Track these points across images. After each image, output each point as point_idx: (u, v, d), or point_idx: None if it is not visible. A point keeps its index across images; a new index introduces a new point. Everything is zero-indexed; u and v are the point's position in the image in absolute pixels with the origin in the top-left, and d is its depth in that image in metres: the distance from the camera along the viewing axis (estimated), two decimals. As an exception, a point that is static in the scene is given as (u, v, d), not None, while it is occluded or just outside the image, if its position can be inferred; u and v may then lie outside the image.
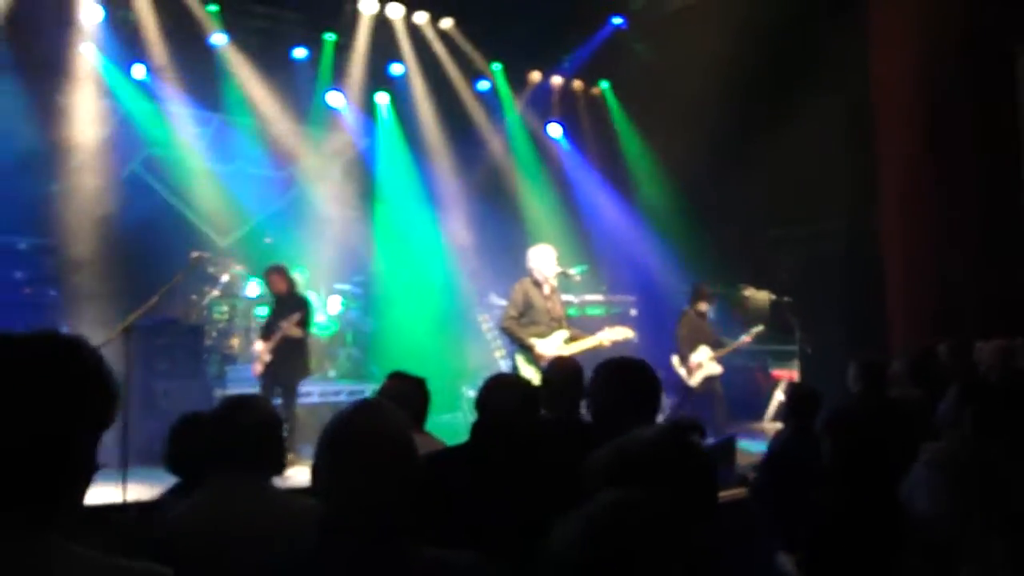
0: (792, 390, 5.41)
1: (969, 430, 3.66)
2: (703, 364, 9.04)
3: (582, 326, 8.28)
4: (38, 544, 1.47)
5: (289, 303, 8.70)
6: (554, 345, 7.53)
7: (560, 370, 4.09)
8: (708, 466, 2.22)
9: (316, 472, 2.03)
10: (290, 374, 8.60)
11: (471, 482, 3.31)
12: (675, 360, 9.04)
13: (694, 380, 9.02)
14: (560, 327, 7.71)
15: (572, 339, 7.71)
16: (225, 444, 2.82)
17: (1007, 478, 3.54)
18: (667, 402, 8.89)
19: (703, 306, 9.25)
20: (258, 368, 8.60)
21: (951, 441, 3.70)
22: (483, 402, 3.63)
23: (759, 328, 9.14)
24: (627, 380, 3.54)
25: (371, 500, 1.96)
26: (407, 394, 4.16)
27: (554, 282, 7.85)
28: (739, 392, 9.08)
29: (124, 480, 5.90)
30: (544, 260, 7.78)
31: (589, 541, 1.53)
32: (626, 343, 8.11)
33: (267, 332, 8.73)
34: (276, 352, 8.52)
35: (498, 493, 3.23)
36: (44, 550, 1.47)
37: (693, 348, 9.07)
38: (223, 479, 2.81)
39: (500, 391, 3.62)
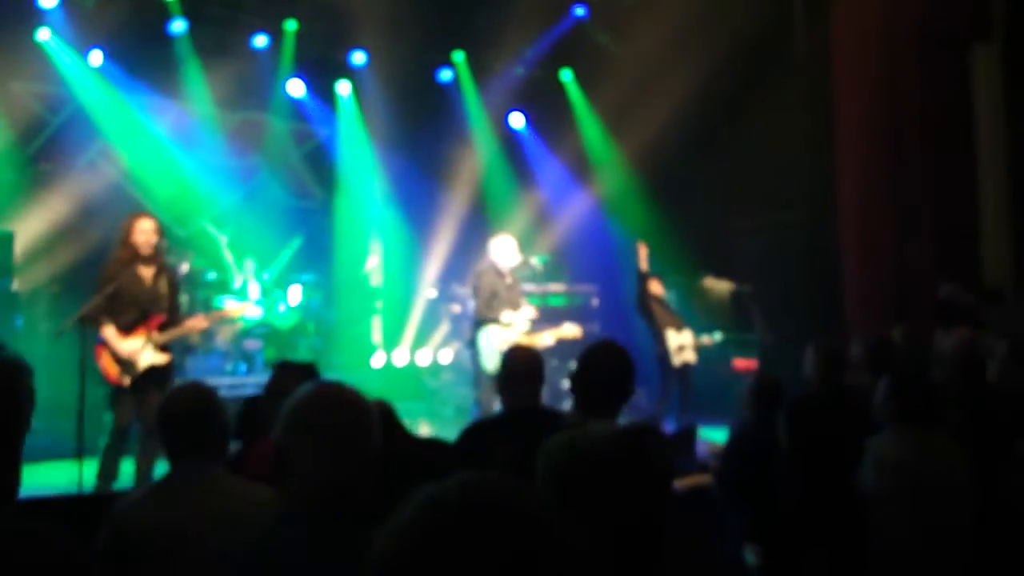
0: (756, 379, 5.41)
1: (903, 423, 3.70)
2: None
3: (544, 316, 8.35)
4: None
5: (164, 272, 6.48)
6: (515, 336, 7.62)
7: (519, 359, 4.07)
8: (660, 473, 2.21)
9: (281, 454, 2.01)
10: (168, 381, 6.26)
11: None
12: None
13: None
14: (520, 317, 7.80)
15: (530, 332, 7.85)
16: (182, 432, 2.82)
17: (935, 471, 3.58)
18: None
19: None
20: (128, 378, 6.17)
21: (886, 436, 3.73)
22: None
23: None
24: (618, 365, 3.60)
25: (339, 477, 1.96)
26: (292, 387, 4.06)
27: (515, 272, 7.94)
28: (699, 380, 9.11)
29: (80, 470, 5.85)
30: (505, 250, 7.86)
31: (397, 544, 1.08)
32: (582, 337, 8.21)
33: (134, 320, 6.25)
34: (167, 351, 6.38)
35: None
36: None
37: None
38: (183, 466, 2.80)
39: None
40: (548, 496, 1.77)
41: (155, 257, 6.40)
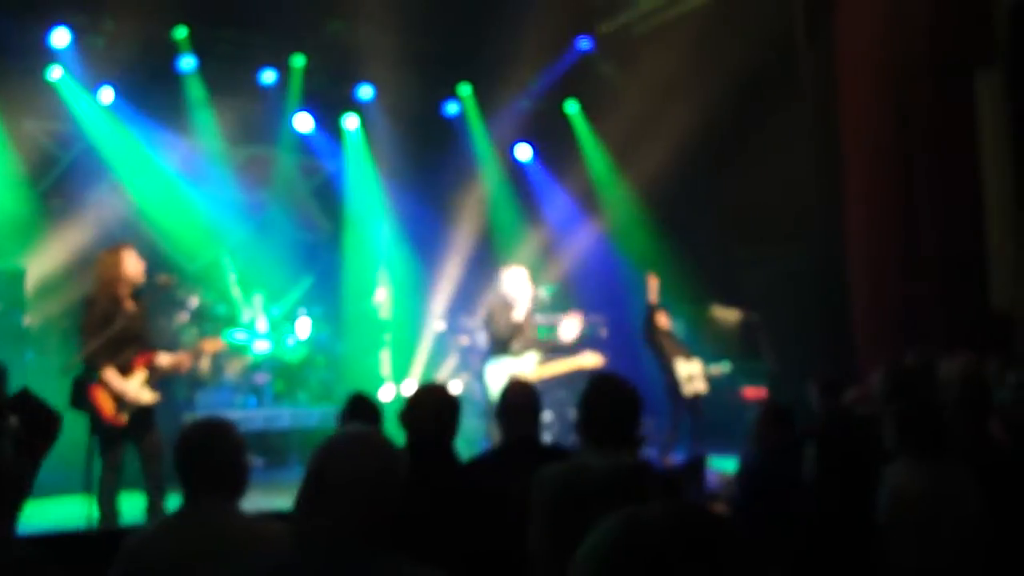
0: (766, 407, 5.38)
1: (913, 454, 3.68)
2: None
3: (554, 347, 8.32)
4: None
5: (139, 299, 6.25)
6: (527, 367, 7.59)
7: (517, 393, 4.07)
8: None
9: (309, 494, 2.02)
10: (156, 416, 6.20)
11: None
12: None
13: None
14: (532, 348, 7.78)
15: (544, 362, 7.81)
16: (198, 468, 2.81)
17: (948, 502, 3.57)
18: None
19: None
20: (125, 417, 5.97)
21: (897, 466, 3.72)
22: (406, 419, 3.59)
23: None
24: (622, 399, 3.58)
25: (363, 517, 1.97)
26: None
27: (527, 303, 7.93)
28: (708, 410, 9.08)
29: (90, 505, 5.84)
30: (516, 282, 7.86)
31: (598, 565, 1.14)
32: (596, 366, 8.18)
33: (131, 358, 6.09)
34: (161, 389, 6.24)
35: (433, 512, 3.19)
36: None
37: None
38: (197, 501, 2.80)
39: (420, 406, 3.60)
40: (540, 522, 1.81)
41: (136, 291, 6.25)
